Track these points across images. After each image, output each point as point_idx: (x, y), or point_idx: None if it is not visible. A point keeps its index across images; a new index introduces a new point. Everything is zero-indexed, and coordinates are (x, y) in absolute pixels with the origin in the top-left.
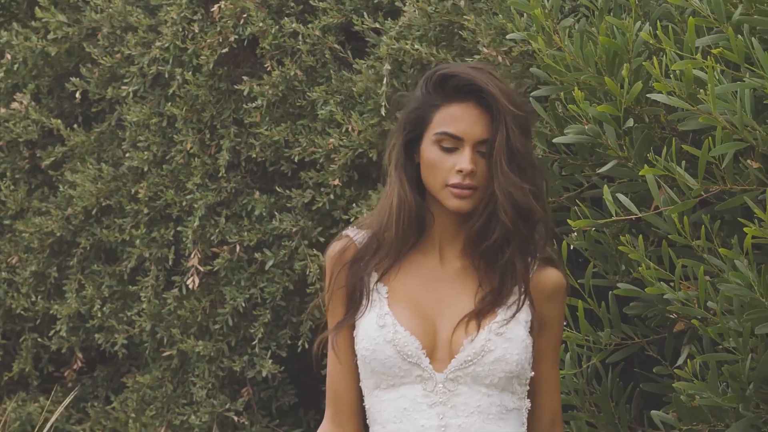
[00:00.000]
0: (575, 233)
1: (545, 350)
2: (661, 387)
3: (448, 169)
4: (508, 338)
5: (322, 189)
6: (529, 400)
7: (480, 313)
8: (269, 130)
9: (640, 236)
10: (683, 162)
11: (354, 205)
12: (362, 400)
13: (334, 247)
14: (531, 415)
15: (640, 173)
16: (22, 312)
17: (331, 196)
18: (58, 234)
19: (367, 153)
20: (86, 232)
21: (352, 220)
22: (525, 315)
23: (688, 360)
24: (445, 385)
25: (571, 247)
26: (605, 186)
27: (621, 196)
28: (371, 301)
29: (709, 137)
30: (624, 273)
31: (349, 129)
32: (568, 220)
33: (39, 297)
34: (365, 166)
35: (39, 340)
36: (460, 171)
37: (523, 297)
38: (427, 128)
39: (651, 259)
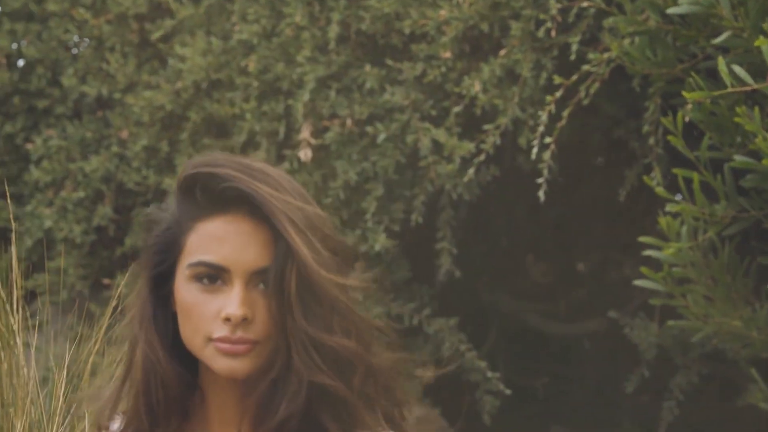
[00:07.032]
0: (690, 105)
1: None
2: None
3: (211, 316)
4: None
5: (433, 61)
6: None
7: None
8: (379, 2)
9: (756, 107)
10: None
11: (466, 78)
12: None
13: None
14: None
15: (756, 44)
16: (133, 187)
17: (443, 69)
18: (169, 108)
19: (478, 25)
20: (196, 106)
21: (464, 93)
22: None
23: None
24: None
25: (687, 119)
26: (720, 57)
27: (736, 67)
28: None
29: None
30: (740, 145)
31: (460, 1)
32: (683, 92)
33: (150, 171)
34: (476, 38)
35: None
36: (228, 319)
37: None
38: (180, 257)
39: (767, 130)
